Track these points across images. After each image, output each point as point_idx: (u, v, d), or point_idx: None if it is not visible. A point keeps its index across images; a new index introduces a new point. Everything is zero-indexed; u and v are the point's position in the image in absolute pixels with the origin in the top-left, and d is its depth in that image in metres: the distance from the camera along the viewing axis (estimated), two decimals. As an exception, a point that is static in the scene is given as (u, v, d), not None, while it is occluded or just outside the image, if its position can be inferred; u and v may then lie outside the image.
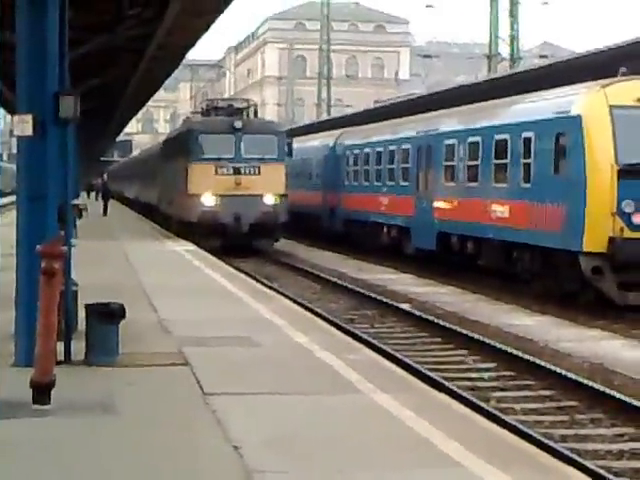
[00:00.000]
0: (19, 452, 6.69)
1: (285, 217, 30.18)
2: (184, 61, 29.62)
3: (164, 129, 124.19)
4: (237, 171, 29.60)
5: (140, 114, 71.59)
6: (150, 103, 52.85)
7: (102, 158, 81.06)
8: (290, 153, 31.50)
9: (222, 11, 18.62)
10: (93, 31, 17.46)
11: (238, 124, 29.99)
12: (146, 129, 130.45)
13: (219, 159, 29.70)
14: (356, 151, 32.79)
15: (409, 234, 26.93)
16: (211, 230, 29.03)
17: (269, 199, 29.56)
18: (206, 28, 20.87)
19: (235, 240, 29.11)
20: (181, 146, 32.37)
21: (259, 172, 29.73)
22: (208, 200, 29.39)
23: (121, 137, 79.32)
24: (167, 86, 51.58)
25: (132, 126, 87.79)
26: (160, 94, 49.92)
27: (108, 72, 24.22)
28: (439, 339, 15.58)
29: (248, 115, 32.33)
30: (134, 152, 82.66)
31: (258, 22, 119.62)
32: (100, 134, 51.70)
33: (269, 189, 29.57)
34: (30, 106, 10.02)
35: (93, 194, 64.91)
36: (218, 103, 34.29)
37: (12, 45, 10.19)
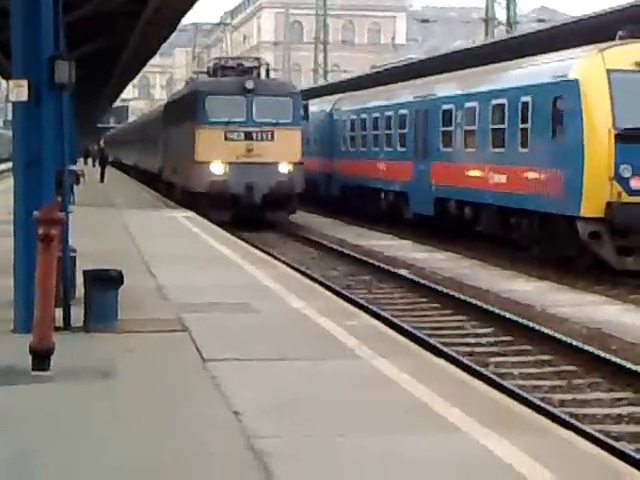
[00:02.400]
0: (18, 418, 6.69)
1: (302, 187, 27.90)
2: (180, 26, 29.22)
3: (160, 95, 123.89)
4: (249, 136, 27.12)
5: (136, 80, 71.42)
6: (146, 69, 52.64)
7: (98, 124, 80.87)
8: (306, 117, 29.29)
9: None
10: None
11: (249, 85, 27.35)
12: (142, 95, 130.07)
13: (229, 123, 27.23)
14: (353, 117, 32.69)
15: (407, 200, 26.92)
16: (221, 201, 26.78)
17: (284, 167, 27.19)
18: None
19: (247, 212, 26.96)
20: (187, 109, 29.76)
21: (273, 138, 27.30)
22: (217, 168, 27.00)
23: (117, 103, 79.08)
24: (163, 51, 51.31)
25: (128, 92, 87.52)
26: (156, 59, 49.67)
27: (103, 37, 24.07)
28: (437, 305, 15.62)
29: (259, 75, 29.77)
30: (130, 118, 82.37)
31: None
32: (96, 100, 51.49)
33: (284, 156, 27.19)
34: (25, 71, 9.96)
35: (90, 160, 64.72)
36: (227, 62, 31.36)
37: (6, 10, 10.11)
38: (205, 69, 34.32)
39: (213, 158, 27.01)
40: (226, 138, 27.05)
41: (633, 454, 7.81)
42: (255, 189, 26.74)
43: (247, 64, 30.17)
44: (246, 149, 26.99)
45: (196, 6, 22.89)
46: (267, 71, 30.38)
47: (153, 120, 43.89)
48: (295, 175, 27.36)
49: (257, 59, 32.06)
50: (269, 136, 27.20)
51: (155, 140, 40.12)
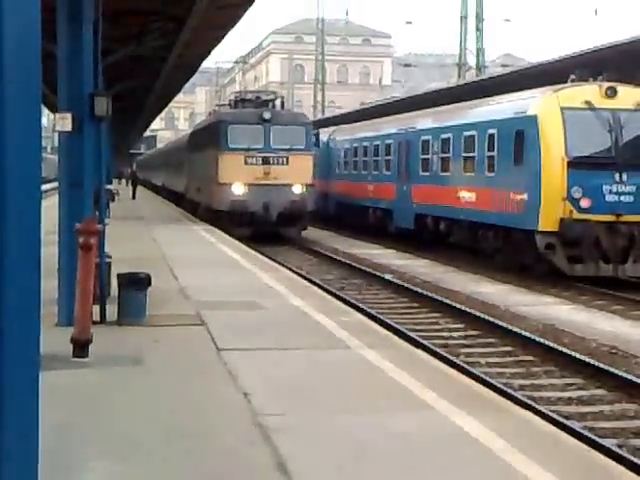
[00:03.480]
0: (61, 398, 6.68)
1: (312, 206, 26.81)
2: (200, 68, 29.20)
3: (183, 126, 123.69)
4: (266, 161, 26.08)
5: (163, 113, 71.18)
6: (171, 104, 52.54)
7: (131, 150, 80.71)
8: (317, 143, 28.21)
9: (233, 25, 18.50)
10: (122, 42, 17.33)
11: (267, 115, 26.36)
12: (168, 126, 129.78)
13: (248, 149, 26.11)
14: (346, 145, 32.68)
15: (391, 215, 26.90)
16: (240, 219, 25.82)
17: (297, 188, 26.08)
18: (219, 40, 20.75)
19: (264, 228, 25.83)
20: (211, 136, 28.60)
21: (287, 162, 26.24)
22: (238, 189, 25.96)
23: (147, 133, 79.02)
24: (186, 90, 51.36)
25: (156, 123, 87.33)
26: (180, 96, 49.65)
27: (135, 77, 24.07)
28: (416, 304, 15.57)
29: (274, 106, 28.57)
30: (158, 145, 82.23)
31: (263, 36, 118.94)
32: (129, 130, 51.49)
33: (297, 179, 26.14)
34: (69, 105, 9.99)
35: (124, 181, 64.58)
36: (246, 95, 30.22)
37: (53, 54, 10.13)
38: (225, 102, 33.76)
39: (234, 180, 26.10)
40: (246, 162, 26.18)
41: (580, 430, 7.81)
42: (271, 208, 25.86)
43: (264, 97, 29.20)
44: (264, 172, 26.12)
45: (213, 52, 22.90)
46: (282, 103, 29.43)
47: (179, 146, 42.96)
48: (307, 195, 26.43)
49: (273, 92, 31.11)
50: (284, 161, 26.29)
51: (181, 163, 39.45)
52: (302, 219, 26.65)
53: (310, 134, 27.13)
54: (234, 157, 26.17)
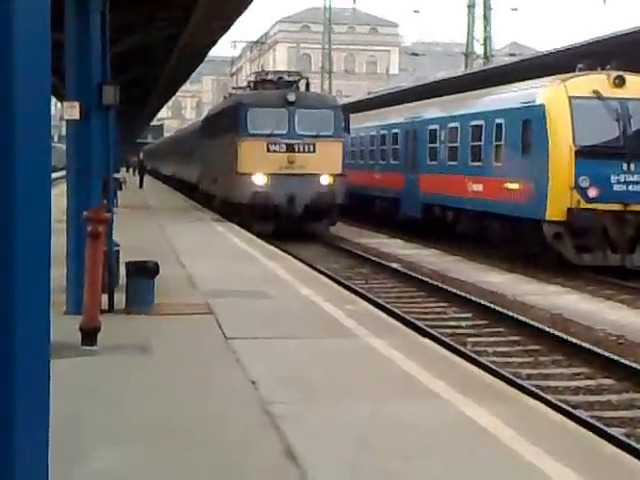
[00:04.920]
0: (70, 387, 6.70)
1: (342, 198, 23.95)
2: (207, 57, 29.00)
3: (190, 115, 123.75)
4: (291, 148, 23.34)
5: (170, 102, 71.30)
6: (178, 93, 52.61)
7: (138, 140, 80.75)
8: (347, 129, 25.09)
9: (240, 14, 18.48)
10: (130, 31, 17.36)
11: (292, 97, 23.53)
12: (175, 115, 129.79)
13: (271, 135, 23.35)
14: (353, 135, 32.58)
15: (399, 205, 26.86)
16: (262, 213, 23.22)
17: (325, 179, 23.42)
18: (226, 29, 20.73)
19: (288, 224, 23.38)
20: (228, 122, 25.65)
21: (314, 150, 23.46)
22: (259, 180, 23.24)
23: (154, 122, 79.03)
24: (192, 79, 51.22)
25: (163, 112, 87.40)
26: (186, 86, 49.61)
27: (143, 67, 24.09)
28: (424, 293, 15.57)
29: (298, 88, 25.47)
30: (165, 134, 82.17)
31: (269, 25, 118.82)
32: (136, 119, 51.50)
33: (325, 168, 23.41)
34: (77, 94, 9.99)
35: (131, 170, 64.60)
36: (267, 75, 27.06)
37: (61, 43, 10.13)
38: (243, 85, 31.06)
39: (255, 170, 23.34)
40: (268, 150, 23.35)
41: (588, 419, 7.81)
42: (297, 200, 23.24)
43: (287, 77, 26.21)
44: (288, 161, 23.36)
45: (220, 42, 22.86)
46: (307, 85, 26.17)
47: (192, 133, 39.98)
48: (336, 187, 23.67)
49: (298, 73, 27.68)
50: (311, 148, 23.50)
51: (193, 152, 36.68)
52: (331, 213, 23.98)
53: (339, 118, 24.26)
54: (255, 144, 23.45)
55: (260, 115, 23.50)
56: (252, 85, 26.71)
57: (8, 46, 2.52)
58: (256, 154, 23.22)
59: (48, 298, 2.88)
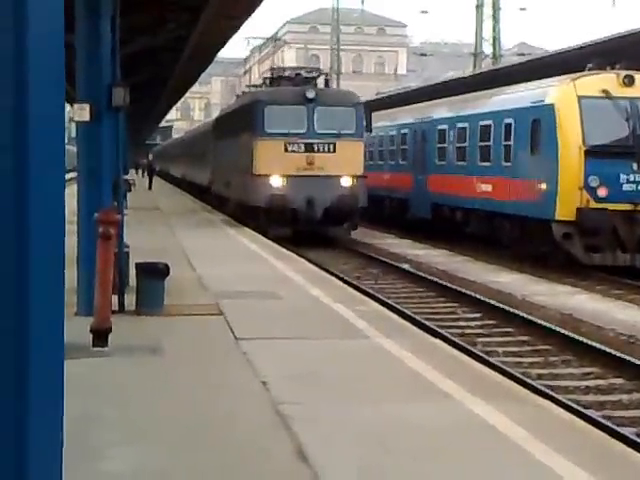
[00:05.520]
0: (81, 387, 6.72)
1: (364, 201, 22.36)
2: (215, 58, 28.91)
3: (199, 117, 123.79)
4: (310, 148, 21.79)
5: (179, 104, 71.33)
6: (187, 94, 52.57)
7: (147, 141, 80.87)
8: (369, 128, 23.46)
9: (250, 13, 18.48)
10: (139, 32, 17.39)
11: (311, 94, 21.87)
12: (184, 116, 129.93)
13: (289, 134, 21.81)
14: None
15: (408, 205, 26.86)
16: (280, 216, 21.73)
17: (346, 181, 21.83)
18: (235, 30, 20.74)
19: (306, 227, 21.94)
20: (244, 120, 23.94)
21: (334, 150, 21.88)
22: (277, 182, 21.72)
23: (163, 123, 79.12)
24: (201, 80, 51.13)
25: (172, 114, 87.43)
26: (195, 87, 49.58)
27: (152, 68, 24.12)
28: (433, 293, 15.57)
29: (316, 85, 23.79)
30: (173, 135, 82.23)
31: (278, 26, 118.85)
32: (145, 121, 51.57)
33: (346, 169, 21.80)
34: (87, 96, 10.03)
35: (140, 171, 64.66)
36: (284, 72, 25.22)
37: (71, 44, 10.16)
38: (257, 83, 29.45)
39: (272, 171, 21.80)
40: (286, 150, 21.83)
41: (599, 419, 7.80)
42: (316, 203, 21.73)
43: (305, 74, 24.37)
44: (307, 161, 21.84)
45: (229, 43, 22.82)
46: (326, 82, 24.55)
47: (202, 134, 38.57)
48: (357, 189, 22.05)
49: (317, 69, 25.87)
50: (331, 148, 21.91)
51: (205, 153, 35.04)
52: (352, 216, 22.38)
53: (361, 117, 22.59)
54: (272, 144, 21.84)
55: (277, 113, 22.01)
56: (268, 82, 25.22)
57: (23, 48, 2.54)
58: (273, 154, 21.80)
59: (62, 299, 2.90)
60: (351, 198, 21.82)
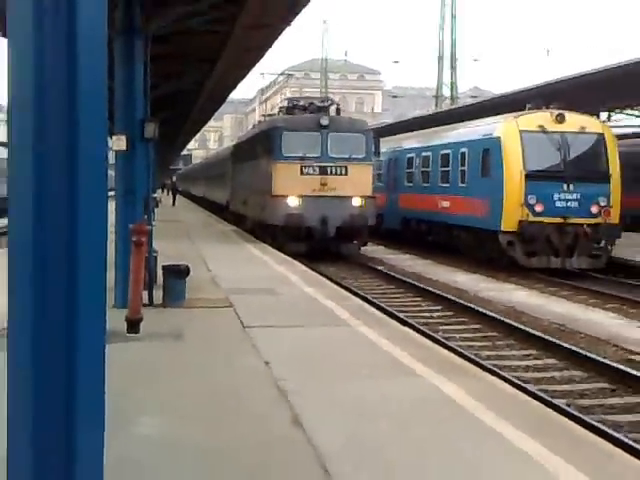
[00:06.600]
0: (119, 366, 6.69)
1: (373, 220, 20.49)
2: (227, 99, 28.86)
3: (213, 146, 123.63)
4: (323, 171, 20.13)
5: (197, 136, 71.28)
6: (204, 128, 52.52)
7: (171, 166, 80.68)
8: (377, 152, 21.65)
9: (255, 64, 18.50)
10: (166, 78, 17.36)
11: (324, 121, 20.30)
12: (201, 146, 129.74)
13: (304, 158, 20.07)
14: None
15: (382, 219, 26.86)
16: (296, 234, 20.02)
17: (357, 201, 20.08)
18: (244, 76, 20.76)
19: (321, 244, 20.25)
20: (262, 145, 22.24)
21: (346, 172, 20.21)
22: (293, 202, 19.99)
23: (184, 151, 79.00)
24: (215, 117, 51.11)
25: (191, 144, 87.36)
26: (210, 122, 49.51)
27: (176, 107, 24.09)
28: (402, 290, 15.57)
29: (329, 113, 22.13)
30: (193, 161, 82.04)
31: (278, 73, 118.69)
32: (170, 149, 51.49)
33: (356, 190, 20.12)
34: (124, 129, 10.00)
35: (165, 191, 64.43)
36: (299, 102, 23.43)
37: (111, 88, 10.16)
38: (273, 112, 26.63)
39: (289, 192, 20.07)
40: (302, 172, 20.14)
41: (537, 392, 7.81)
42: (329, 222, 19.94)
43: (318, 103, 22.74)
44: (321, 183, 20.14)
45: (238, 86, 22.82)
46: (337, 110, 22.74)
47: (221, 159, 36.18)
48: (367, 208, 20.24)
49: (329, 98, 24.00)
50: (343, 171, 20.26)
51: (223, 175, 32.86)
52: (362, 234, 20.61)
53: (370, 142, 20.99)
54: (289, 167, 20.20)
55: (294, 138, 20.31)
56: (284, 111, 23.46)
57: (75, 97, 2.55)
58: (290, 177, 20.11)
59: (105, 295, 2.91)
60: (361, 217, 20.16)
